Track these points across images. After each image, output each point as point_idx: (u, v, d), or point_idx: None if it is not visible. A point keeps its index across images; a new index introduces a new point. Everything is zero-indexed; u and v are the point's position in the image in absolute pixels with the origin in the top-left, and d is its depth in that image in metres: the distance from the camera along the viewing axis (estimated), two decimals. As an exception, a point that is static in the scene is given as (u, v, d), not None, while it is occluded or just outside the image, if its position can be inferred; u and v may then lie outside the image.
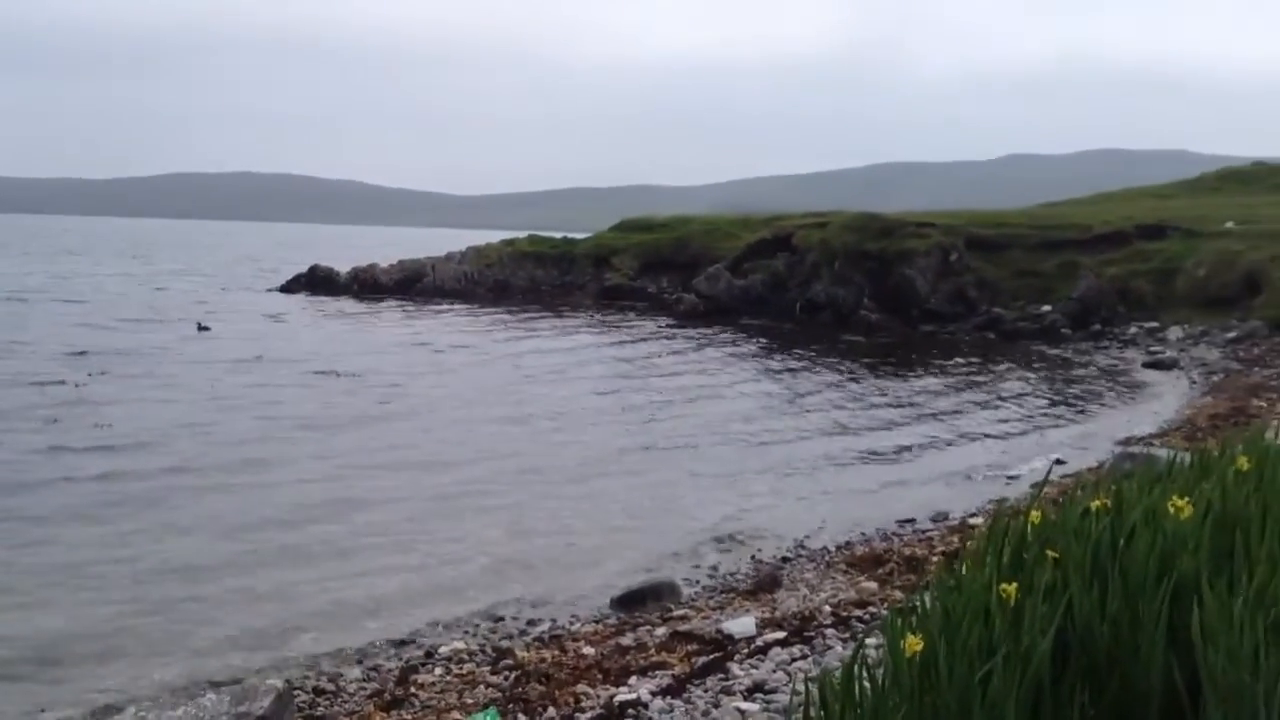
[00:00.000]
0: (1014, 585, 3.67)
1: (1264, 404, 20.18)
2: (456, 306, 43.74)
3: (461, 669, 8.13)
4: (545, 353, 29.69)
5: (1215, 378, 25.88)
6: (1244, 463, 4.94)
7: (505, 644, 8.78)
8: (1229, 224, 40.20)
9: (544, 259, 49.99)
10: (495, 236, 57.72)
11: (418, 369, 25.91)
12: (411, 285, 48.40)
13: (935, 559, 9.91)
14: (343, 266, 51.76)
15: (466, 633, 9.20)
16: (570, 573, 10.92)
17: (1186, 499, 3.99)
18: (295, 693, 7.85)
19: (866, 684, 3.51)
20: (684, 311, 41.38)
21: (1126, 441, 16.96)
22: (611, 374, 26.06)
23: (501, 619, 9.56)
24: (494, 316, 40.31)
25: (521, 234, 56.50)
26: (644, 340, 33.86)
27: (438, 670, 8.14)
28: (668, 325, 38.14)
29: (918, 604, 4.06)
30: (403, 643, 8.96)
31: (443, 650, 8.65)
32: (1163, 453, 12.31)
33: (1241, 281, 35.28)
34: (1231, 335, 31.80)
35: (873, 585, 9.42)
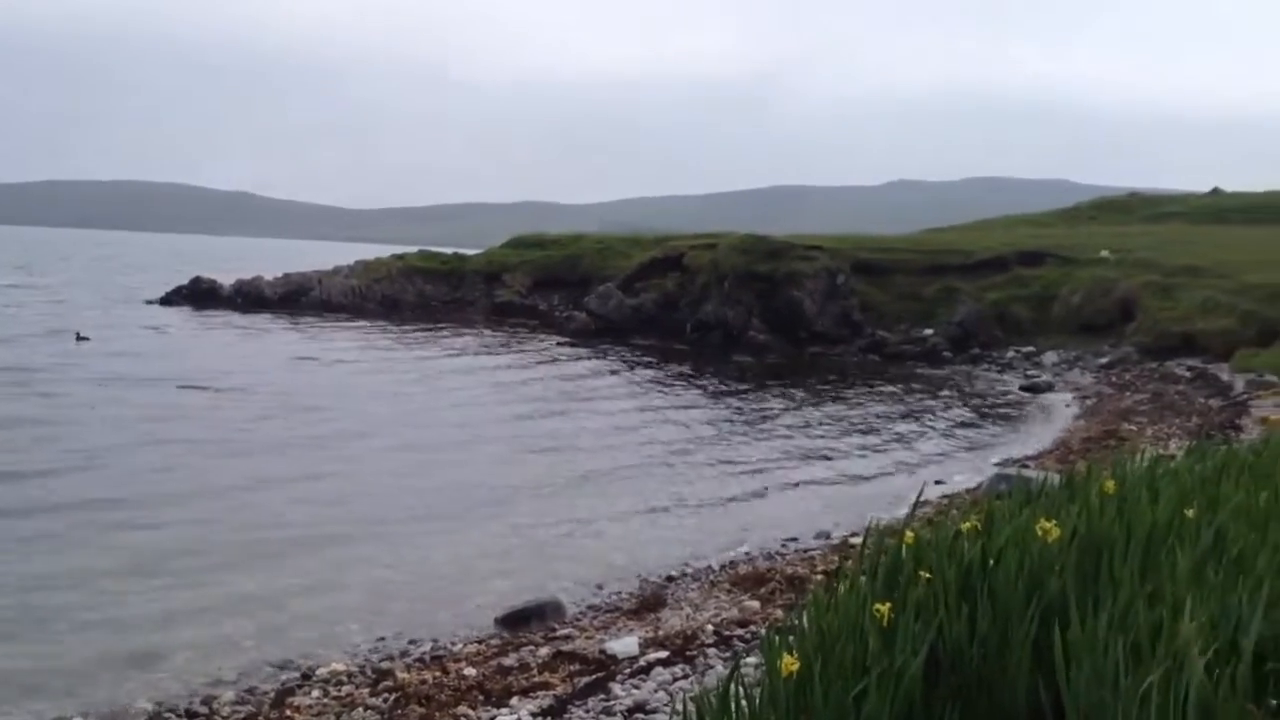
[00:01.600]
0: (888, 605, 3.73)
1: (1134, 428, 20.85)
2: (344, 322, 43.09)
3: (340, 691, 7.99)
4: (435, 370, 29.43)
5: (1088, 401, 26.68)
6: (1110, 486, 5.11)
7: (386, 665, 8.65)
8: (1104, 253, 41.59)
9: (434, 275, 49.59)
10: (386, 251, 57.09)
11: (303, 386, 25.48)
12: (297, 299, 47.60)
13: (817, 577, 10.02)
14: (228, 279, 50.61)
15: (346, 653, 9.04)
16: (455, 593, 10.81)
17: (1054, 521, 4.10)
18: (166, 716, 7.65)
19: (744, 703, 3.54)
20: (575, 330, 41.38)
21: (1002, 463, 17.39)
22: (501, 393, 25.95)
23: (383, 639, 9.42)
24: (382, 333, 39.85)
25: (412, 249, 56.00)
26: (535, 359, 33.78)
27: (315, 692, 7.98)
28: (559, 344, 38.09)
29: (797, 623, 4.11)
30: (280, 664, 8.77)
31: (321, 672, 8.48)
32: (1036, 474, 12.64)
33: (1115, 308, 36.54)
34: (1104, 360, 32.86)
35: (755, 604, 9.50)
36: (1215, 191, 65.60)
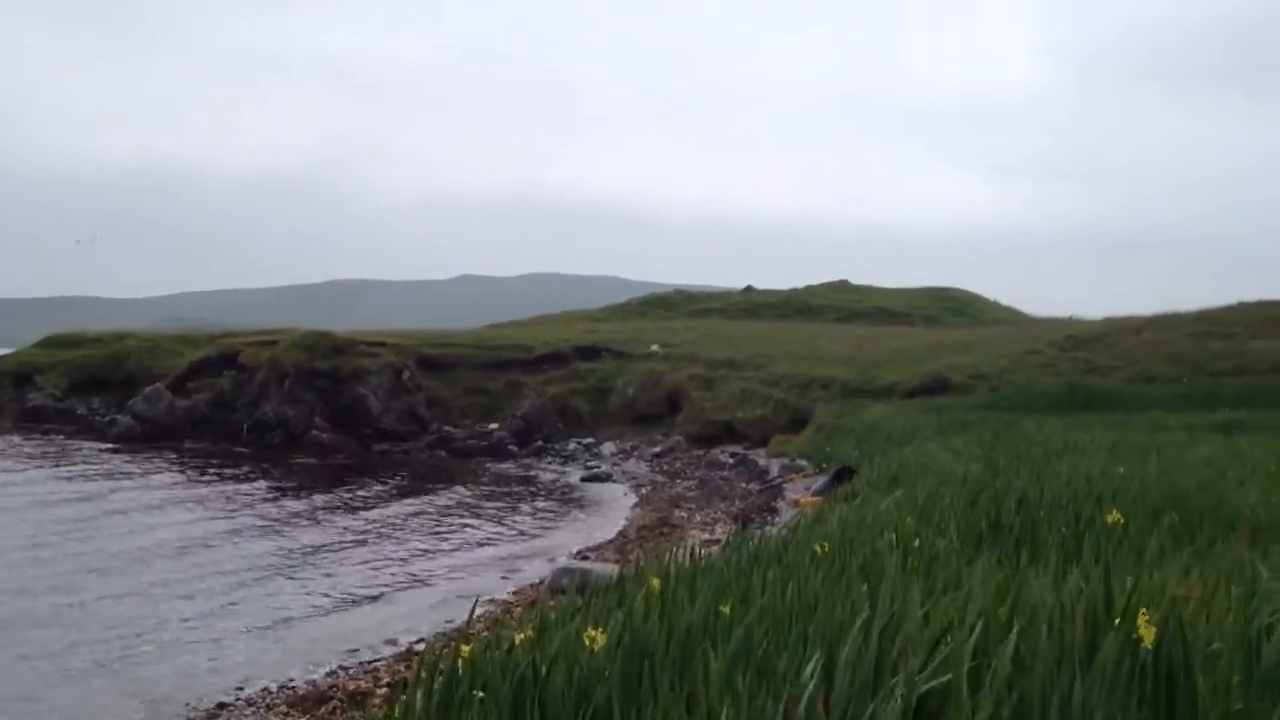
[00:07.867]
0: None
1: (685, 514, 22.05)
2: None
3: None
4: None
5: (644, 490, 27.96)
6: (655, 585, 5.30)
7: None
8: (654, 347, 44.14)
9: (-48, 377, 44.72)
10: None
11: None
12: None
13: (381, 691, 9.75)
14: None
15: None
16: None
17: (601, 629, 4.17)
18: None
19: None
20: (118, 435, 38.46)
21: (565, 555, 17.79)
22: (20, 507, 23.50)
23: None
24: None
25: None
26: (69, 470, 30.98)
27: None
28: (99, 451, 35.22)
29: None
30: None
31: None
32: (596, 567, 13.03)
33: (664, 399, 38.82)
34: (657, 450, 34.68)
35: (314, 726, 9.08)
36: (749, 289, 71.37)
